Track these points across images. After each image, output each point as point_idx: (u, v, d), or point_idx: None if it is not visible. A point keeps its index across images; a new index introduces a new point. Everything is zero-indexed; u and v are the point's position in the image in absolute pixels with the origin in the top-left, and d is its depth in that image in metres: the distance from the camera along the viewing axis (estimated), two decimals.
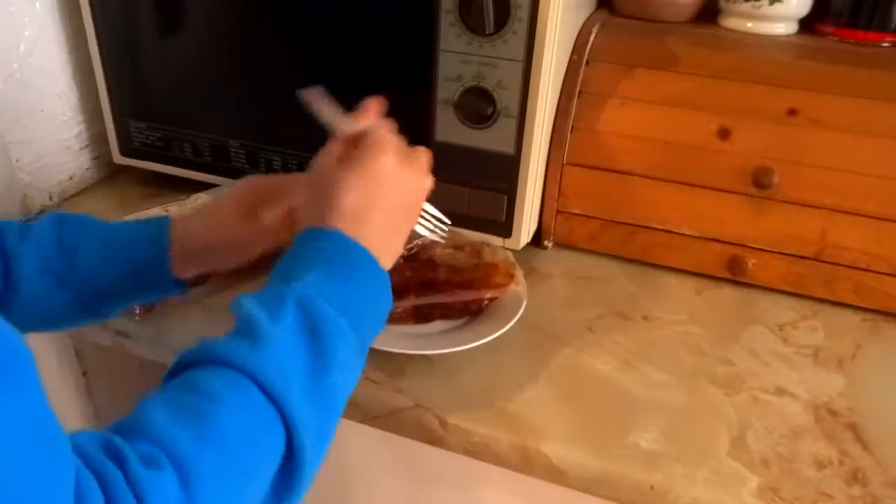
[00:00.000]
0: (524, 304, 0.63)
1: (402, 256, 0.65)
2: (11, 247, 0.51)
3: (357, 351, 0.43)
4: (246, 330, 0.39)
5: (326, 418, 0.41)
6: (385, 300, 0.46)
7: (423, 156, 0.50)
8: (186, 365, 0.39)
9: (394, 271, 0.63)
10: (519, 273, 0.66)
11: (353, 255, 0.44)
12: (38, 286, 0.51)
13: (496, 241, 0.71)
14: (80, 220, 0.54)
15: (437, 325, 0.64)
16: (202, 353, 0.39)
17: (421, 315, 0.64)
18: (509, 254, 0.68)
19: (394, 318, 0.63)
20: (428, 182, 0.50)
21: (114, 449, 0.32)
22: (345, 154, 0.48)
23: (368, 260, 0.45)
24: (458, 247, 0.67)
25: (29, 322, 0.52)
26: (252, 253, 0.57)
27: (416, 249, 0.66)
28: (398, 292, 0.62)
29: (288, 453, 0.38)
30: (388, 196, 0.46)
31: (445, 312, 0.64)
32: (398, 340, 0.60)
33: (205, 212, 0.57)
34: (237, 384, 0.37)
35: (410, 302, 0.63)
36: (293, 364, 0.39)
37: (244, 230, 0.55)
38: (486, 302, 0.64)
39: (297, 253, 0.45)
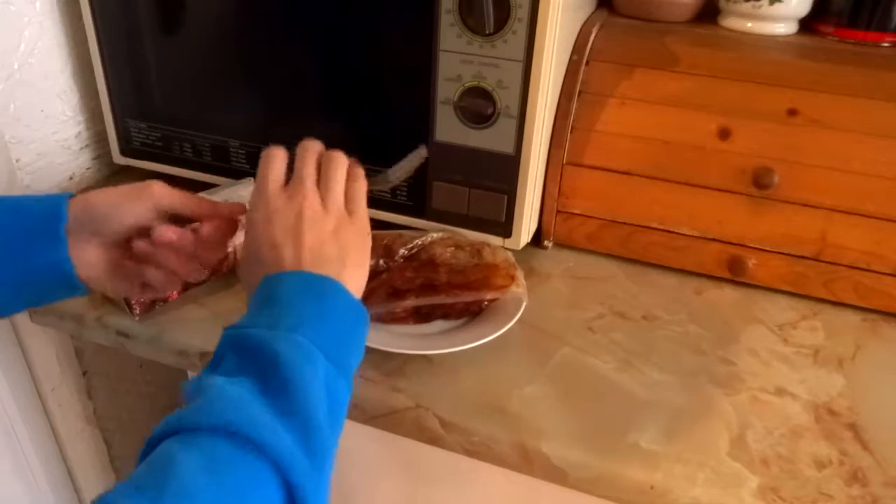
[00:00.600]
0: (524, 304, 0.63)
1: (403, 256, 0.65)
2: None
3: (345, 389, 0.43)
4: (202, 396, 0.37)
5: (324, 468, 0.40)
6: (364, 327, 0.46)
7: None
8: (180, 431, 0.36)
9: (395, 272, 0.64)
10: (519, 274, 0.66)
11: (328, 291, 0.44)
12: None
13: (496, 241, 0.71)
14: None
15: (437, 325, 0.64)
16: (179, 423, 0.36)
17: (421, 315, 0.64)
18: (509, 254, 0.68)
19: (394, 318, 0.63)
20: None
21: None
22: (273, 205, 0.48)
23: (342, 293, 0.45)
24: (458, 246, 0.67)
25: None
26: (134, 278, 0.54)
27: (416, 249, 0.67)
28: (399, 293, 0.62)
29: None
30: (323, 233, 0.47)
31: (446, 313, 0.64)
32: (398, 340, 0.60)
33: (112, 189, 0.51)
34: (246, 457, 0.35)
35: (411, 302, 0.63)
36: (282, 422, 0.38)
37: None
38: (486, 303, 0.64)
39: (270, 299, 0.43)
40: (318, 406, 0.39)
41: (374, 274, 0.63)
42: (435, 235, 0.68)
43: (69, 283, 0.50)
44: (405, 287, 0.63)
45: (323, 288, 0.45)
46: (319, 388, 0.40)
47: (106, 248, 0.52)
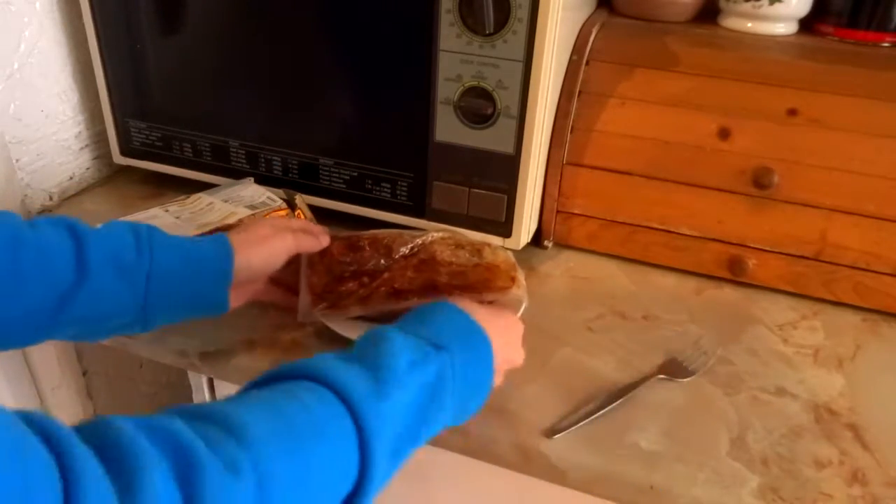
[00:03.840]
0: (524, 306, 0.63)
1: (403, 255, 0.65)
2: (83, 230, 0.50)
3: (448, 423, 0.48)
4: (377, 372, 0.42)
5: (392, 471, 0.43)
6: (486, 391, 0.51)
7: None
8: (298, 375, 0.41)
9: (395, 272, 0.63)
10: (520, 276, 0.66)
11: (482, 341, 0.50)
12: (105, 276, 0.50)
13: (496, 241, 0.71)
14: (152, 227, 0.55)
15: None
16: (322, 372, 0.41)
17: (402, 296, 0.63)
18: (510, 254, 0.68)
19: (396, 319, 0.63)
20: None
21: (193, 450, 0.32)
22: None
23: (488, 348, 0.50)
24: (458, 246, 0.67)
25: (87, 323, 0.51)
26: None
27: (416, 249, 0.66)
28: (400, 293, 0.62)
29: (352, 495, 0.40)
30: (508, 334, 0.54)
31: None
32: None
33: (263, 247, 0.58)
34: (339, 419, 0.39)
35: (412, 303, 0.63)
36: (400, 424, 0.42)
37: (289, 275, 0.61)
38: (486, 303, 0.64)
39: (438, 317, 0.50)
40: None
41: (375, 274, 0.62)
42: (436, 235, 0.68)
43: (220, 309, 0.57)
44: (406, 287, 0.63)
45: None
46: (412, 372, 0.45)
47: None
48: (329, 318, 0.61)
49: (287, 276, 0.62)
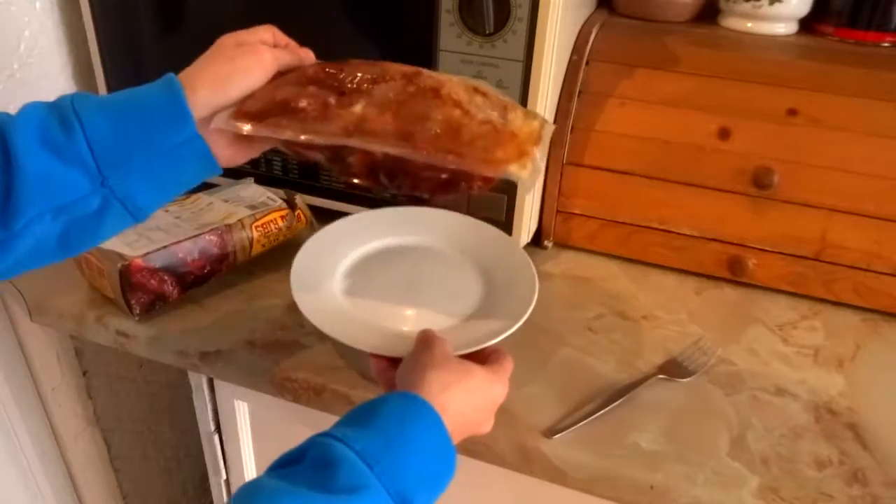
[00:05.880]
0: (531, 308, 0.57)
1: (399, 76, 0.49)
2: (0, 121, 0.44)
3: None
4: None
5: None
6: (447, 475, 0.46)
7: (510, 366, 0.52)
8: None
9: (373, 103, 0.47)
10: (536, 152, 0.48)
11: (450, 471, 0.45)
12: (40, 161, 0.43)
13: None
14: (76, 94, 0.46)
15: (437, 326, 0.57)
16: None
17: (376, 175, 0.48)
18: (549, 127, 0.51)
19: (344, 170, 0.48)
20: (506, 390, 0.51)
21: None
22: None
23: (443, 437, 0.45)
24: (482, 94, 0.49)
25: (59, 215, 0.44)
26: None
27: (424, 77, 0.49)
28: (360, 131, 0.46)
29: None
30: (477, 397, 0.49)
31: (414, 182, 0.48)
32: (401, 344, 0.54)
33: (226, 67, 0.48)
34: None
35: (368, 145, 0.46)
36: None
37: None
38: (476, 184, 0.48)
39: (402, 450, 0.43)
40: None
41: (345, 96, 0.47)
42: (458, 78, 0.50)
43: (206, 161, 0.48)
44: (372, 128, 0.46)
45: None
46: None
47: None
48: (252, 132, 0.46)
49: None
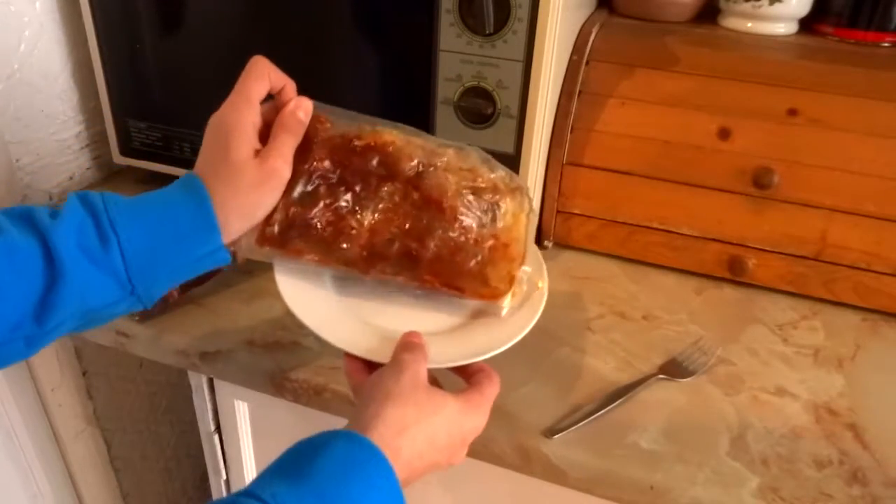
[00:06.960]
0: (535, 319, 0.54)
1: (414, 171, 0.53)
2: (44, 224, 0.44)
3: None
4: None
5: None
6: None
7: (494, 391, 0.49)
8: None
9: (384, 211, 0.52)
10: (522, 283, 0.54)
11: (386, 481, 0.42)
12: (80, 266, 0.44)
13: None
14: (107, 195, 0.49)
15: (437, 325, 0.55)
16: None
17: (373, 262, 0.52)
18: (533, 215, 0.55)
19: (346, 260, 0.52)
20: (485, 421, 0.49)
21: None
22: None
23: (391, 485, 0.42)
24: (476, 193, 0.53)
25: (80, 319, 0.46)
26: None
27: (422, 169, 0.53)
28: (373, 258, 0.52)
29: None
30: (441, 437, 0.46)
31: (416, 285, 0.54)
32: (381, 345, 0.52)
33: (225, 173, 0.51)
34: None
35: (387, 275, 0.53)
36: None
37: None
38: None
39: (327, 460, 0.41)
40: None
41: (362, 191, 0.52)
42: (448, 157, 0.53)
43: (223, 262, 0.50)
44: (380, 250, 0.52)
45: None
46: None
47: None
48: (277, 262, 0.52)
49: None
